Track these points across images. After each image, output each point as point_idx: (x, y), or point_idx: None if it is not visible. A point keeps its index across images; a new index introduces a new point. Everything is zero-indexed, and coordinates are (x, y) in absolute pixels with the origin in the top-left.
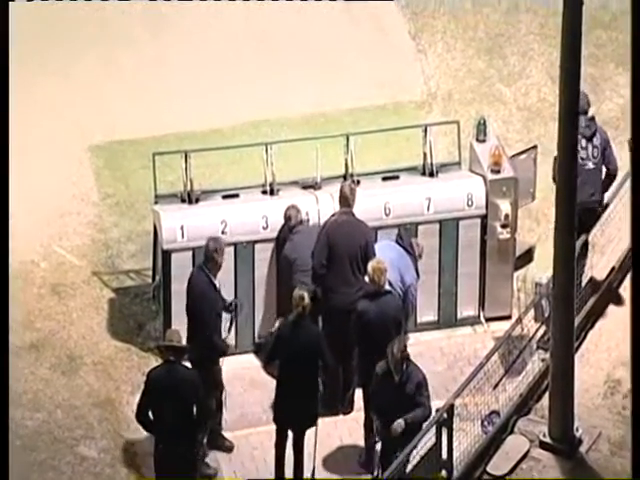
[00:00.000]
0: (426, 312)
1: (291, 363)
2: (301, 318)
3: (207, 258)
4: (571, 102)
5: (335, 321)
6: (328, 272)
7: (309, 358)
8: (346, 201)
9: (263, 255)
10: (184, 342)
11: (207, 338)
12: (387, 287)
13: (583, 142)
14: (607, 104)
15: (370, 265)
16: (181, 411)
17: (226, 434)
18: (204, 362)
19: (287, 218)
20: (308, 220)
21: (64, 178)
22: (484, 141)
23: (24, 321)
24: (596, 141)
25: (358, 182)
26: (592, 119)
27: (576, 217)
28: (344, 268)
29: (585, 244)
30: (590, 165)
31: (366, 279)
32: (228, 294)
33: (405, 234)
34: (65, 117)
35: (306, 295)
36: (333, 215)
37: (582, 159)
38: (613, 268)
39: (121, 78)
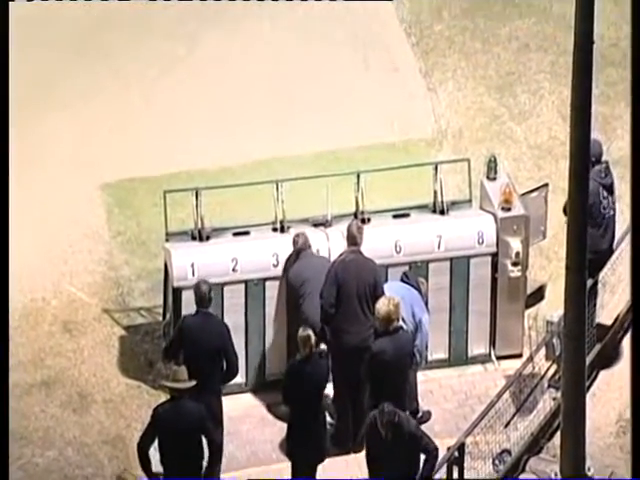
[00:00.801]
0: (437, 350)
1: (301, 401)
2: (309, 357)
3: (208, 299)
4: (582, 141)
5: (346, 359)
6: (337, 311)
7: (319, 395)
8: (353, 240)
9: (274, 293)
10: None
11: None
12: (400, 323)
13: (604, 192)
14: (618, 143)
15: (382, 302)
16: (187, 446)
17: (236, 472)
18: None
19: (294, 243)
20: (318, 251)
21: (75, 216)
22: (495, 179)
23: (35, 359)
24: (613, 188)
25: (369, 220)
26: (607, 166)
27: (587, 257)
28: (353, 307)
29: (595, 283)
30: (611, 213)
31: (376, 315)
32: (239, 332)
33: (410, 273)
34: (76, 155)
35: (312, 334)
36: (341, 254)
37: (604, 208)
38: (624, 307)
39: (132, 116)
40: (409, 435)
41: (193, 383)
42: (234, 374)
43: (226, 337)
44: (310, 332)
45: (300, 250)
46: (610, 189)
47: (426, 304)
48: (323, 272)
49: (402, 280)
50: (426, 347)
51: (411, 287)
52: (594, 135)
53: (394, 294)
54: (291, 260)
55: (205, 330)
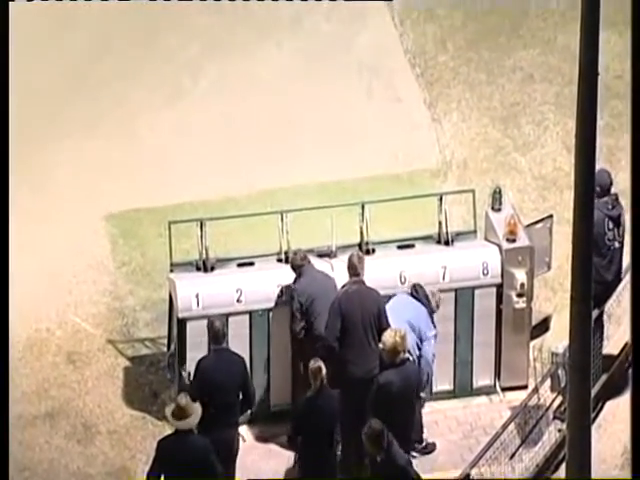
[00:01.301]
0: (442, 381)
1: (315, 434)
2: (320, 390)
3: (222, 335)
4: (587, 172)
5: (352, 390)
6: (343, 343)
7: (332, 428)
8: (355, 270)
9: (278, 323)
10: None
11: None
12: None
13: (610, 224)
14: (623, 174)
15: (389, 334)
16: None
17: None
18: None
19: (292, 261)
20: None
21: (80, 246)
22: (499, 210)
23: (39, 389)
24: (622, 220)
25: (373, 250)
26: (616, 198)
27: (593, 288)
28: (359, 338)
29: (601, 314)
30: (617, 245)
31: (380, 346)
32: None
33: (420, 287)
34: (80, 185)
35: (323, 367)
36: (344, 286)
37: (609, 240)
38: (630, 339)
39: (137, 146)
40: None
41: (197, 420)
42: (252, 405)
43: (245, 372)
44: (321, 364)
45: (301, 266)
46: (617, 221)
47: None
48: (329, 287)
49: (411, 294)
50: (433, 360)
51: (420, 303)
52: (599, 166)
53: (400, 315)
54: (295, 279)
55: (223, 369)
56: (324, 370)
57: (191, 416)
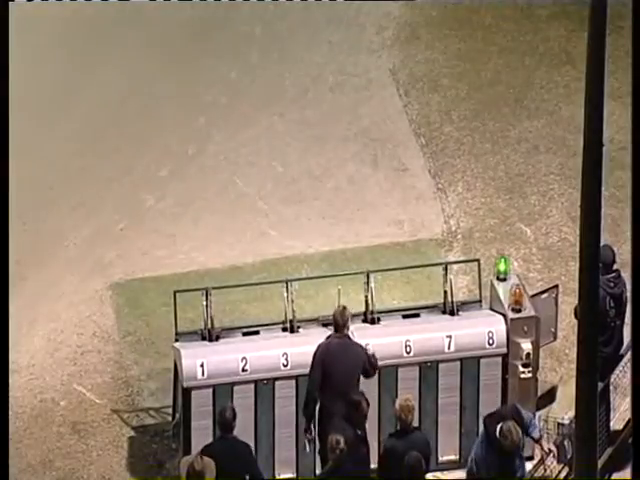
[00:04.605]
0: (447, 451)
1: None
2: (339, 463)
3: (231, 426)
4: (592, 243)
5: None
6: (324, 394)
7: None
8: (336, 325)
9: (284, 393)
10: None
11: None
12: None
13: (611, 302)
14: (627, 246)
15: (398, 403)
16: None
17: None
18: None
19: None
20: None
21: (85, 316)
22: (505, 280)
23: (44, 460)
24: (624, 297)
25: (378, 319)
26: (619, 275)
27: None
28: (340, 389)
29: (607, 386)
30: (618, 322)
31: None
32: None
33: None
34: (86, 254)
35: (342, 440)
36: (328, 337)
37: (610, 318)
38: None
39: (142, 215)
40: None
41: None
42: None
43: (252, 461)
44: (341, 437)
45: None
46: (619, 299)
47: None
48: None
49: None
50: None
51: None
52: (603, 237)
53: None
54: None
55: (229, 457)
56: (342, 443)
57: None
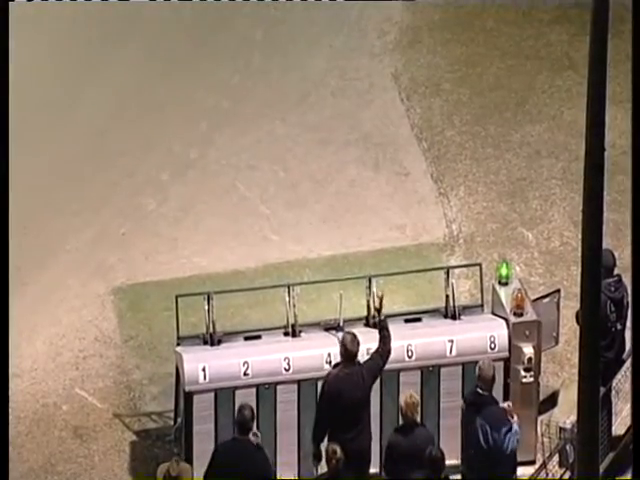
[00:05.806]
0: (449, 455)
1: None
2: (336, 473)
3: (248, 427)
4: (593, 247)
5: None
6: (334, 423)
7: None
8: (346, 352)
9: (285, 397)
10: None
11: None
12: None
13: (612, 307)
14: (628, 250)
15: (402, 399)
16: None
17: None
18: None
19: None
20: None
21: (87, 320)
22: (506, 284)
23: (45, 465)
24: (625, 301)
25: None
26: (620, 279)
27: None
28: (349, 418)
29: (609, 391)
30: (619, 326)
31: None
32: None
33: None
34: (88, 258)
35: (338, 449)
36: (335, 365)
37: (611, 322)
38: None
39: (144, 220)
40: None
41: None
42: None
43: (266, 463)
44: (337, 447)
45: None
46: (620, 304)
47: None
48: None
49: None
50: None
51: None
52: (605, 241)
53: None
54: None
55: (241, 457)
56: (339, 453)
57: None
